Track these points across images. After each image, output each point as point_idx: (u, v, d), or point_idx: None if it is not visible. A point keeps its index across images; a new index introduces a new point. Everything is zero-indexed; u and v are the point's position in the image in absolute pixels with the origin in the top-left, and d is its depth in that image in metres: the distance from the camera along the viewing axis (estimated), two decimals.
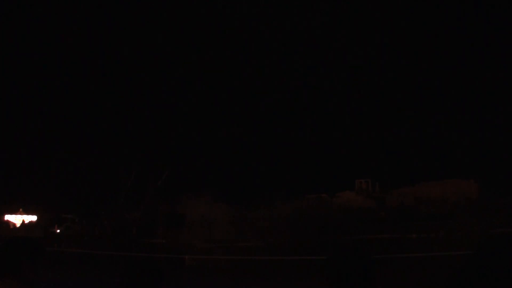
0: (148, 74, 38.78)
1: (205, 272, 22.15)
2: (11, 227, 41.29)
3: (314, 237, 26.93)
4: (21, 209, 42.95)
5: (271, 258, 23.61)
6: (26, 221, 41.93)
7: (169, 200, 37.11)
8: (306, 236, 27.96)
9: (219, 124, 39.48)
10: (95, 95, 37.88)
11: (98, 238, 33.47)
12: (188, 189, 36.47)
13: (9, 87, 41.62)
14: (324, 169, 38.01)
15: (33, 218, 42.79)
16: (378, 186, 38.02)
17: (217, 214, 34.21)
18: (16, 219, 42.54)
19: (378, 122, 38.72)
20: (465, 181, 34.89)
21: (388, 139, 37.78)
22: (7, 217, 42.75)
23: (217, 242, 31.04)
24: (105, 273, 19.69)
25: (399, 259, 20.69)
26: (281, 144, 39.49)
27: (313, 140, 39.13)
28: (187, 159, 37.18)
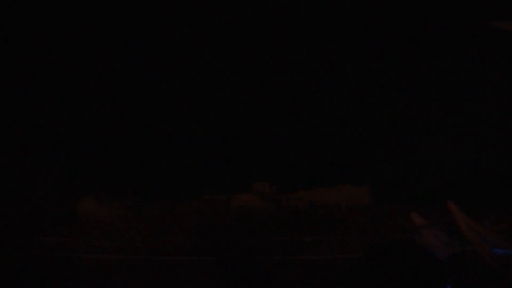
0: None
1: (97, 272, 20.96)
2: None
3: (210, 238, 26.54)
4: None
5: (166, 258, 22.94)
6: None
7: (62, 195, 35.33)
8: (202, 236, 27.53)
9: (111, 126, 38.06)
10: None
11: None
12: (83, 185, 35.03)
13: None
14: (222, 170, 37.72)
15: None
16: (275, 189, 38.36)
17: (113, 212, 33.19)
18: None
19: (275, 127, 39.04)
20: (358, 187, 36.02)
21: (284, 143, 38.16)
22: None
23: (111, 241, 29.88)
24: None
25: (293, 261, 20.72)
26: (179, 143, 38.73)
27: (212, 141, 38.72)
28: (81, 153, 35.58)
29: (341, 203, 34.23)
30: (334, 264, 19.70)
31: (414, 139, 34.45)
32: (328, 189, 36.84)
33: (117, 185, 35.07)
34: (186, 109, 39.45)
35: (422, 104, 35.14)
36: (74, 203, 34.96)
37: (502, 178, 29.67)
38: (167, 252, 25.53)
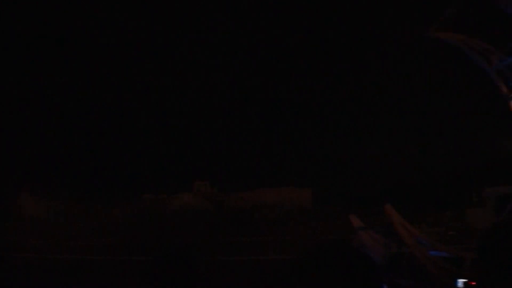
0: None
1: (33, 271, 20.36)
2: None
3: (148, 237, 26.25)
4: None
5: (102, 258, 22.61)
6: None
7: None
8: (142, 236, 27.18)
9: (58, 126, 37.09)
10: None
11: None
12: (19, 182, 34.01)
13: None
14: (162, 169, 37.40)
15: None
16: (216, 189, 38.23)
17: (54, 211, 32.45)
18: None
19: (219, 127, 39.10)
20: (300, 189, 36.37)
21: (226, 143, 38.28)
22: None
23: (51, 239, 29.12)
24: None
25: (233, 261, 20.74)
26: (121, 143, 38.13)
27: (154, 140, 38.35)
28: (18, 150, 34.56)
29: (283, 204, 34.52)
30: (272, 264, 19.80)
31: (356, 144, 35.21)
32: (270, 190, 37.01)
33: (56, 182, 34.23)
34: (129, 109, 38.86)
35: (363, 110, 35.96)
36: (11, 200, 33.91)
37: (438, 183, 30.70)
38: (103, 252, 25.02)
